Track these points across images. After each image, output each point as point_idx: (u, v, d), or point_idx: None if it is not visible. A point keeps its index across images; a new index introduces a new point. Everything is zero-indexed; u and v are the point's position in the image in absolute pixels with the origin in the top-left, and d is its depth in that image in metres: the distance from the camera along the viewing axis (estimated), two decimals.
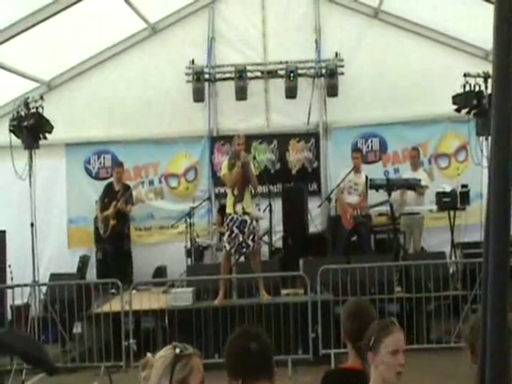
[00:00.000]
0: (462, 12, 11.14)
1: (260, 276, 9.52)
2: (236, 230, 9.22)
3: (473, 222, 11.24)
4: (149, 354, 2.80)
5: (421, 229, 11.62)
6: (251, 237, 9.29)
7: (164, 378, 2.65)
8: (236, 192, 9.26)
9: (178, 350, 2.70)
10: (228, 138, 12.79)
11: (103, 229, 11.72)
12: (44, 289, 10.03)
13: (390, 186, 10.99)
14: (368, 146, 12.86)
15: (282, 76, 12.42)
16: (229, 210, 9.35)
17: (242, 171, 9.20)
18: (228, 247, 9.32)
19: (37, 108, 9.92)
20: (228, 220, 9.32)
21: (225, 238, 9.40)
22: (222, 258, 9.85)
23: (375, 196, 11.21)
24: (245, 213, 9.25)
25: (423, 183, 11.22)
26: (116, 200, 11.67)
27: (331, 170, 12.68)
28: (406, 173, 12.03)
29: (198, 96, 12.41)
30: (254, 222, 9.46)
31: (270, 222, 11.86)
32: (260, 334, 3.17)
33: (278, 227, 12.19)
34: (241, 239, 9.23)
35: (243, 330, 3.28)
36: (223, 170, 9.54)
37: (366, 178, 11.25)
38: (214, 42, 12.90)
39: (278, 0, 12.90)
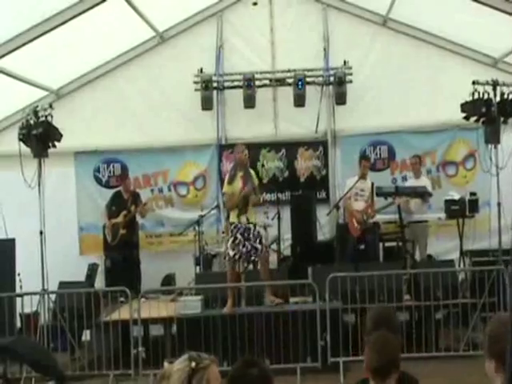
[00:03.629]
0: (470, 20, 11.11)
1: (266, 283, 9.60)
2: (240, 237, 9.36)
3: (481, 230, 11.22)
4: (166, 364, 2.79)
5: (426, 237, 11.62)
6: (258, 240, 9.46)
7: None
8: (240, 206, 9.45)
9: (193, 364, 2.69)
10: None
11: (111, 237, 11.74)
12: (53, 297, 10.04)
13: (398, 193, 11.00)
14: (376, 154, 12.84)
15: (290, 84, 12.41)
16: (233, 219, 9.51)
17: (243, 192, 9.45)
18: (232, 253, 9.39)
19: (46, 116, 9.94)
20: (232, 227, 9.46)
21: (228, 244, 9.48)
22: (227, 267, 9.84)
23: (381, 203, 11.22)
24: (249, 223, 9.48)
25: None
26: (125, 209, 11.69)
27: (339, 178, 12.65)
28: (409, 180, 12.06)
29: (207, 104, 12.43)
30: (258, 228, 9.64)
31: (279, 229, 11.85)
32: (260, 362, 3.22)
33: (287, 235, 12.18)
34: (249, 246, 9.35)
35: (245, 359, 3.33)
36: (224, 188, 9.77)
37: (372, 184, 11.24)
38: (222, 51, 12.91)
39: (287, 8, 12.93)
